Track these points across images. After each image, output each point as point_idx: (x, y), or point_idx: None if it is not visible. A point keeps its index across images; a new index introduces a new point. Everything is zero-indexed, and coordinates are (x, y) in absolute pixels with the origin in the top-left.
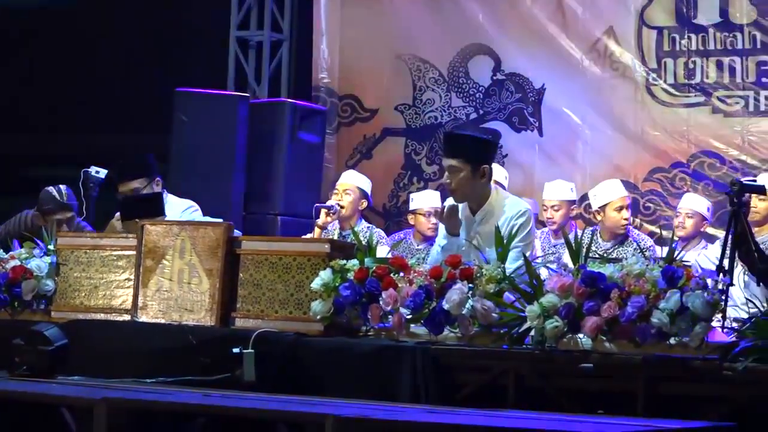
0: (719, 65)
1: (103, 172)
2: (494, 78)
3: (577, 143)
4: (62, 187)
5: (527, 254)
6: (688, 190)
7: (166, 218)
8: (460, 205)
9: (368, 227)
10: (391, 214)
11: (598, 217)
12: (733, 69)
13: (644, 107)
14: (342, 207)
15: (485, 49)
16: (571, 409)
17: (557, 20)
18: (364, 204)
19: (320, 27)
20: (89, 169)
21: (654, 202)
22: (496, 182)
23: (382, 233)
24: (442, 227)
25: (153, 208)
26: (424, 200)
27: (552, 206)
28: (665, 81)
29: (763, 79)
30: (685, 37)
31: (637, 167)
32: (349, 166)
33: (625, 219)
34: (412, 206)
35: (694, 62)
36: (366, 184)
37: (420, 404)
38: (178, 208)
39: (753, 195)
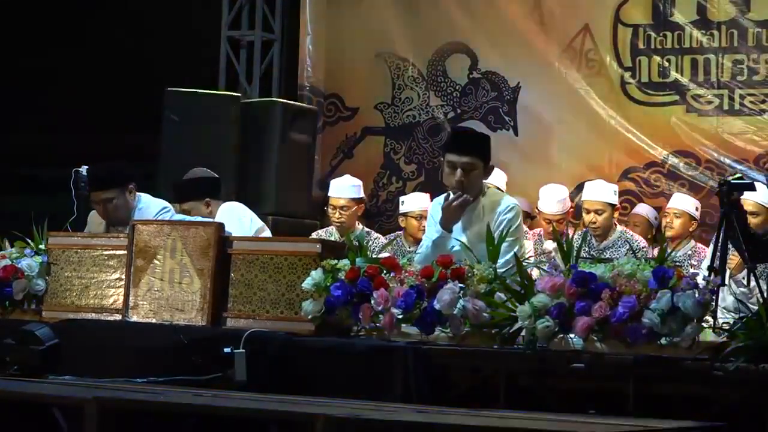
0: (694, 63)
1: None
2: (470, 76)
3: (552, 142)
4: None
5: (515, 249)
6: (664, 190)
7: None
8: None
9: (367, 231)
10: (371, 214)
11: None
12: (708, 67)
13: (619, 106)
14: (343, 222)
15: (462, 47)
16: (562, 409)
17: (534, 18)
18: (362, 208)
19: (306, 26)
20: (80, 169)
21: (630, 202)
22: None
23: (382, 238)
24: (432, 221)
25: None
26: (414, 203)
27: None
28: (639, 79)
29: (738, 78)
30: (661, 34)
31: (612, 167)
32: (332, 166)
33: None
34: (402, 209)
35: (669, 60)
36: (356, 191)
37: (411, 404)
38: (153, 209)
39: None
